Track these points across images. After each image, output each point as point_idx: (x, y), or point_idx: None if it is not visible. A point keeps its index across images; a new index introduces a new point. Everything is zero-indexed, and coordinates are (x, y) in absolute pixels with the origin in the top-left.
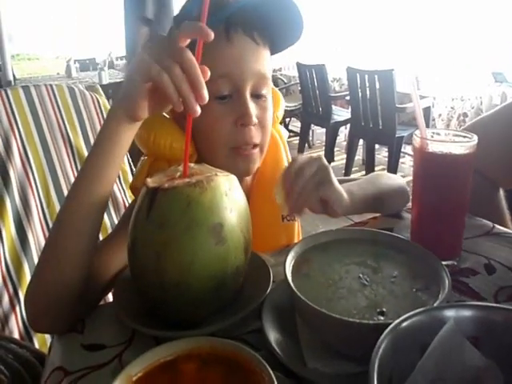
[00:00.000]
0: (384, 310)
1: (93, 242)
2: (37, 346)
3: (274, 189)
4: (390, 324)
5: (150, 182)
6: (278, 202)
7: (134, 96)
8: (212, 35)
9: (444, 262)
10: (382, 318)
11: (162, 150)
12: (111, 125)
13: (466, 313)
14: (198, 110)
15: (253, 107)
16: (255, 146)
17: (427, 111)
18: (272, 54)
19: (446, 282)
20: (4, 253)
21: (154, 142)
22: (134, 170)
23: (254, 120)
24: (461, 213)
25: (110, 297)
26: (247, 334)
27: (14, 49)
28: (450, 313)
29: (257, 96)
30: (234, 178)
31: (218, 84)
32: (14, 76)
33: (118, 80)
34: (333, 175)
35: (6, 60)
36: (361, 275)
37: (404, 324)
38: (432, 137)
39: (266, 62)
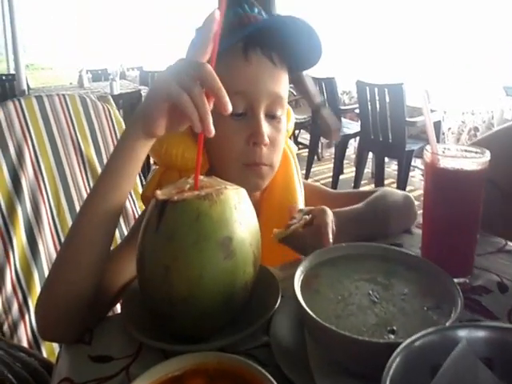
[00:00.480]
0: (394, 328)
1: (105, 253)
2: (45, 354)
3: (275, 229)
4: (401, 343)
5: (160, 194)
6: (274, 231)
7: (153, 114)
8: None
9: (455, 280)
10: (392, 336)
11: (174, 160)
12: (128, 140)
13: (480, 333)
14: (213, 130)
15: (266, 127)
16: (265, 164)
17: (437, 125)
18: (290, 74)
19: (458, 300)
20: (14, 260)
21: (165, 151)
22: (144, 180)
23: (266, 140)
24: (473, 229)
25: (118, 308)
26: (255, 349)
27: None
28: (462, 333)
29: (271, 116)
30: (243, 192)
31: (234, 101)
32: (27, 85)
33: (129, 90)
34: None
35: (20, 70)
36: (371, 292)
37: (416, 343)
38: (443, 152)
39: (283, 83)
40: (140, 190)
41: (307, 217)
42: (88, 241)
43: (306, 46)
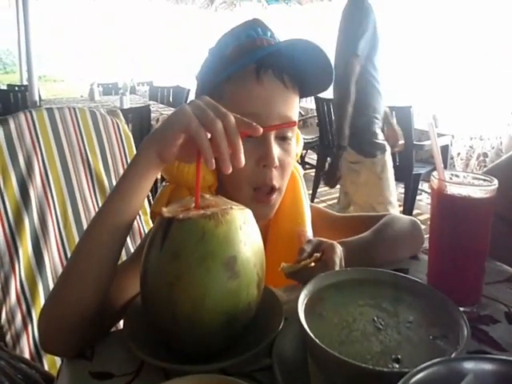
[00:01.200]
0: (399, 356)
1: (111, 270)
2: (46, 367)
3: (283, 263)
4: (406, 373)
5: (166, 211)
6: (282, 265)
7: (169, 141)
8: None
9: (462, 308)
10: (396, 365)
11: (185, 177)
12: (141, 162)
13: (487, 366)
14: (230, 168)
15: (276, 149)
16: (274, 189)
17: (445, 150)
18: (301, 97)
19: (465, 331)
20: (20, 271)
21: (177, 168)
22: (151, 197)
23: (276, 162)
24: (480, 257)
25: (121, 323)
26: (257, 371)
27: (41, 70)
28: (469, 365)
29: (282, 138)
30: (249, 212)
31: None
32: (39, 96)
33: (139, 105)
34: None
35: (33, 81)
36: (375, 318)
37: (421, 374)
38: (451, 179)
39: (294, 106)
40: (146, 205)
41: (317, 254)
42: (95, 258)
43: (317, 69)
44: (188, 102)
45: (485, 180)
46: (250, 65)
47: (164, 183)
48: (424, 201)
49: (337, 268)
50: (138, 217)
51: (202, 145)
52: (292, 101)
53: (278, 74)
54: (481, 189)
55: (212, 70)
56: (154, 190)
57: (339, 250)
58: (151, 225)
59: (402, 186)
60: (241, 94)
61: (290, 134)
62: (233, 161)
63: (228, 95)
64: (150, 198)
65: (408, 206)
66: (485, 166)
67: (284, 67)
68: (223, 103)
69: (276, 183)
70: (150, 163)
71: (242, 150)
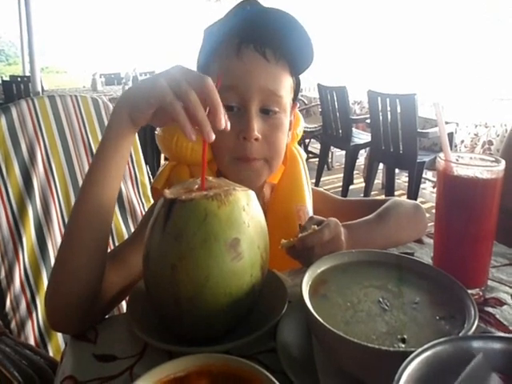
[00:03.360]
0: (405, 337)
1: (103, 243)
2: (51, 352)
3: (283, 240)
4: (412, 352)
5: (168, 193)
6: (282, 241)
7: (142, 111)
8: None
9: (469, 291)
10: (402, 345)
11: (184, 153)
12: (113, 126)
13: (496, 345)
14: (213, 136)
15: (258, 122)
16: (255, 159)
17: (450, 137)
18: (294, 74)
19: (472, 311)
20: (24, 259)
21: (176, 143)
22: (152, 178)
23: (256, 135)
24: (487, 239)
25: (125, 306)
26: (261, 353)
27: (44, 62)
28: (476, 344)
29: (265, 111)
30: (252, 194)
31: (226, 96)
32: (42, 87)
33: None
34: (344, 243)
35: (35, 72)
36: (381, 299)
37: (427, 353)
38: (457, 160)
39: (277, 80)
40: (149, 192)
41: (315, 226)
42: (84, 226)
43: (297, 41)
44: (165, 70)
45: (492, 161)
46: (232, 40)
47: (165, 162)
48: (428, 189)
49: (325, 236)
50: (141, 204)
51: (178, 118)
52: (275, 74)
53: (260, 48)
54: (488, 169)
55: (202, 49)
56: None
57: (334, 224)
58: (152, 201)
59: (406, 174)
60: (222, 68)
61: (275, 108)
62: (214, 123)
63: (212, 71)
64: (150, 175)
65: (412, 194)
66: (490, 154)
67: (265, 42)
68: None
69: (256, 155)
70: (122, 126)
71: (223, 111)
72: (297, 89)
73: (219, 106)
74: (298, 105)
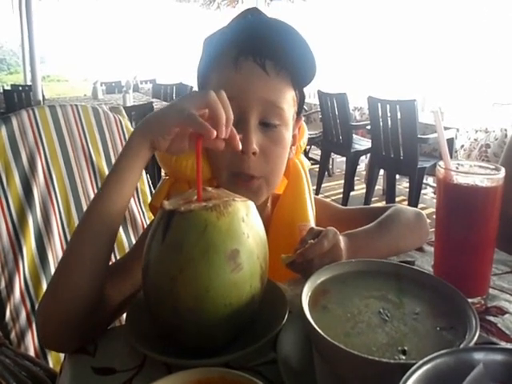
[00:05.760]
0: (406, 348)
1: (105, 260)
2: (51, 363)
3: (283, 255)
4: (413, 364)
5: (167, 204)
6: (282, 256)
7: (163, 130)
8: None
9: (470, 300)
10: (403, 357)
11: (183, 171)
12: (133, 148)
13: (497, 357)
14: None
15: (257, 135)
16: (253, 177)
17: (450, 142)
18: (297, 87)
19: (473, 321)
20: (24, 269)
21: (176, 161)
22: (154, 191)
23: (254, 148)
24: (488, 248)
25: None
26: (261, 365)
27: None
28: (478, 356)
29: (266, 124)
30: (251, 204)
31: None
32: (43, 96)
33: (142, 103)
34: (344, 256)
35: (36, 81)
36: (381, 310)
37: (428, 365)
38: (457, 168)
39: (277, 92)
40: (149, 198)
41: (312, 241)
42: (87, 248)
43: (300, 56)
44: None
45: (492, 169)
46: (231, 51)
47: (165, 177)
48: (429, 195)
49: (324, 247)
50: (141, 213)
51: (197, 123)
52: (275, 86)
53: (259, 60)
54: (488, 177)
55: (202, 58)
56: (153, 184)
57: (332, 234)
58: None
59: (407, 180)
60: (220, 81)
61: (276, 121)
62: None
63: (212, 83)
64: (151, 184)
65: (413, 200)
66: (486, 157)
67: (265, 53)
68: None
69: (254, 172)
70: (140, 148)
71: (225, 126)
72: (301, 102)
73: (221, 117)
74: (303, 119)
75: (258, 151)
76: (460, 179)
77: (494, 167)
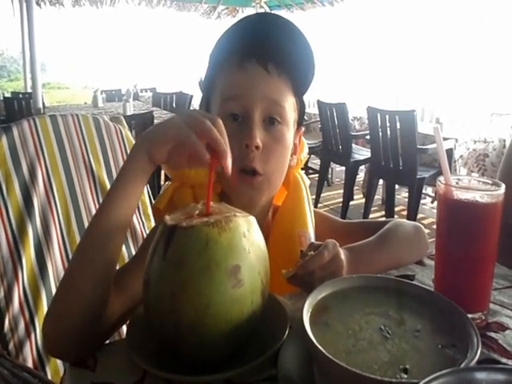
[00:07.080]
0: (407, 366)
1: (111, 270)
2: (49, 375)
3: (283, 270)
4: None
5: (168, 219)
6: (282, 271)
7: (159, 145)
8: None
9: (470, 315)
10: (405, 375)
11: (187, 174)
12: (133, 162)
13: (499, 377)
14: (229, 152)
15: (260, 131)
16: (256, 172)
17: (449, 153)
18: (297, 94)
19: (475, 339)
20: (23, 279)
21: None
22: (154, 199)
23: (257, 142)
24: (488, 263)
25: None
26: (262, 381)
27: (46, 78)
28: (481, 376)
29: (268, 121)
30: (252, 220)
31: (230, 105)
32: (43, 103)
33: (142, 111)
34: (345, 266)
35: (37, 88)
36: (382, 327)
37: None
38: (457, 183)
39: (279, 92)
40: (149, 211)
41: (312, 253)
42: (93, 258)
43: (300, 56)
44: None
45: (492, 184)
46: (235, 54)
47: (167, 182)
48: (428, 205)
49: (325, 258)
50: (141, 223)
51: (191, 143)
52: (277, 86)
53: (261, 62)
54: (488, 194)
55: (209, 62)
56: (157, 189)
57: (332, 245)
58: (152, 220)
59: (406, 190)
60: (225, 81)
61: (278, 118)
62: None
63: (216, 85)
64: (150, 194)
65: (412, 210)
66: (483, 165)
67: (268, 56)
68: (213, 95)
69: (257, 167)
70: (139, 161)
71: (229, 154)
72: (301, 112)
73: (225, 146)
74: (303, 129)
75: (261, 147)
76: (460, 195)
77: (493, 183)
